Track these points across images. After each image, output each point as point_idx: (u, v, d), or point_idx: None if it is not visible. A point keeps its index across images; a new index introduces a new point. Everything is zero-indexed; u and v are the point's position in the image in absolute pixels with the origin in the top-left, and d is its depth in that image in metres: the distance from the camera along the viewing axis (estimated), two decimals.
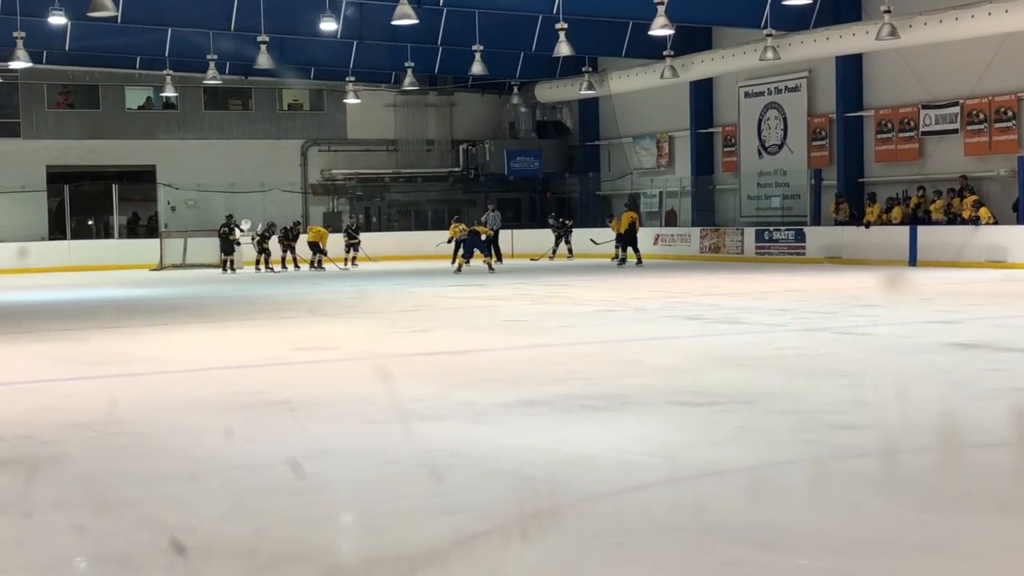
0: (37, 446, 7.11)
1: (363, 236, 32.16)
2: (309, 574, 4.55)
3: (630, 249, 28.81)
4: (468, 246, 27.98)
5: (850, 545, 4.68)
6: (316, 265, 30.20)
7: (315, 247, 30.34)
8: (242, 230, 31.58)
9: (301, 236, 31.02)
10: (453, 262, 28.04)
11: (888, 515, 5.18)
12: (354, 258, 31.05)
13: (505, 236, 33.83)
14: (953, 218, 25.41)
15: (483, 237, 28.37)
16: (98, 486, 5.97)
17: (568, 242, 33.16)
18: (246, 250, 30.98)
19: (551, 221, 34.25)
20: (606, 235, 30.56)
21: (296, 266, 30.53)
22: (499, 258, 30.09)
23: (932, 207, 25.86)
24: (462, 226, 29.00)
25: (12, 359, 11.98)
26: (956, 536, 4.86)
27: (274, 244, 30.48)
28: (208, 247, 31.20)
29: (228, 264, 29.88)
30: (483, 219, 32.46)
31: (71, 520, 5.34)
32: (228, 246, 30.09)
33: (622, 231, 29.05)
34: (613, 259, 29.58)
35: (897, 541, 4.77)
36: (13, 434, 7.46)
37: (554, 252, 33.13)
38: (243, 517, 5.29)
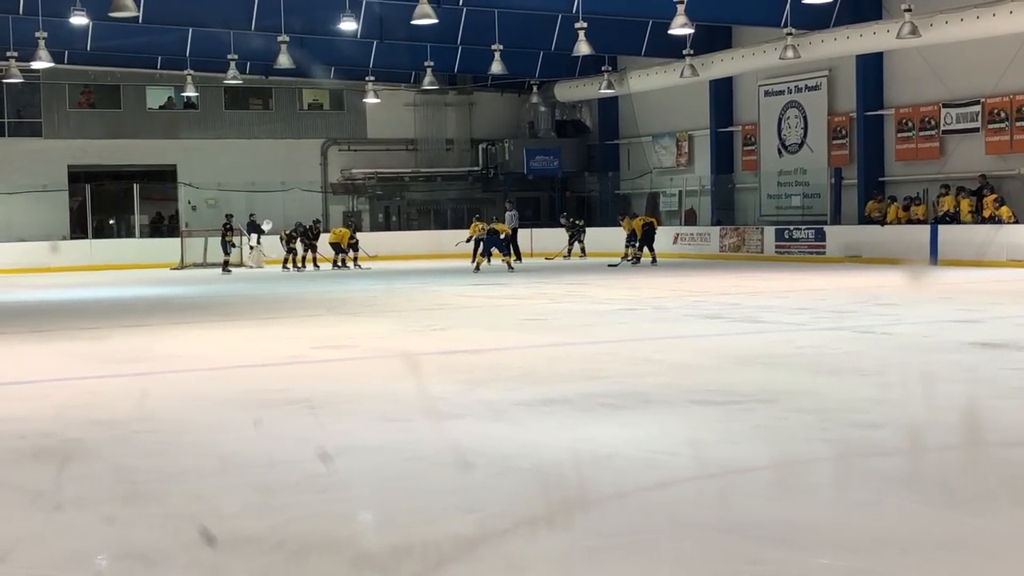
0: (61, 443, 7.16)
1: (363, 236, 31.99)
2: (338, 563, 4.58)
3: (645, 248, 28.79)
4: (487, 245, 28.02)
5: (871, 543, 4.68)
6: (340, 265, 30.26)
7: (337, 247, 30.40)
8: (263, 231, 31.66)
9: (322, 235, 31.09)
10: (473, 261, 28.06)
11: (909, 513, 5.17)
12: (355, 259, 30.93)
13: (524, 235, 33.88)
14: (975, 215, 25.32)
15: (501, 235, 28.39)
16: (122, 482, 6.01)
17: (581, 242, 33.13)
18: (269, 249, 31.12)
19: (563, 220, 34.26)
20: (620, 237, 30.49)
21: (316, 266, 30.59)
22: (518, 257, 30.10)
23: (961, 208, 25.69)
24: (482, 225, 29.03)
25: (35, 357, 12.05)
26: (977, 534, 4.86)
27: (300, 243, 30.55)
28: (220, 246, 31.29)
29: (224, 265, 29.89)
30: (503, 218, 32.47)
31: (96, 515, 5.38)
32: (225, 247, 30.17)
33: (639, 234, 28.98)
34: (623, 259, 29.37)
35: (918, 539, 4.77)
36: (37, 431, 7.51)
37: (569, 251, 33.12)
38: (268, 512, 5.32)
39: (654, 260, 28.54)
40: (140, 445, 7.07)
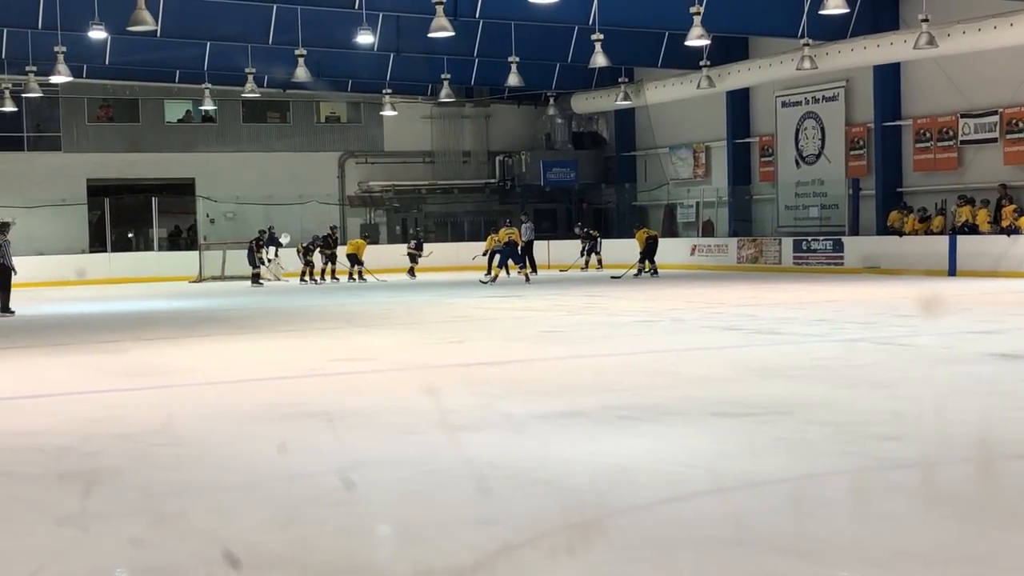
0: (80, 457, 7.19)
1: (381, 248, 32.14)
2: None
3: (647, 261, 28.92)
4: (504, 257, 28.05)
5: (890, 557, 4.66)
6: (357, 277, 30.31)
7: (353, 259, 30.45)
8: (281, 244, 31.69)
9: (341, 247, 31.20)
10: (487, 273, 28.07)
11: (928, 527, 5.16)
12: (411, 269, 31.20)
13: (542, 247, 33.85)
14: (994, 226, 25.22)
15: (516, 244, 28.43)
16: (140, 497, 6.03)
17: (598, 253, 33.04)
18: (286, 262, 31.22)
19: (578, 230, 34.19)
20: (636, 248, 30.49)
21: (335, 278, 30.64)
22: (534, 269, 30.11)
23: (977, 218, 25.60)
24: (497, 237, 29.03)
25: (54, 371, 12.09)
26: (996, 548, 4.83)
27: (318, 256, 30.57)
28: (247, 259, 31.40)
29: (256, 277, 29.99)
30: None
31: (116, 531, 5.39)
32: (253, 259, 30.25)
33: (642, 247, 29.08)
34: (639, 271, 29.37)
35: (937, 553, 4.75)
36: (58, 445, 7.54)
37: (586, 263, 33.03)
38: (287, 527, 5.32)
39: (654, 272, 28.60)
40: (160, 459, 7.09)
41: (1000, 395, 8.81)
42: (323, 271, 30.70)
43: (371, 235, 35.67)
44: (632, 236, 30.44)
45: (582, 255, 33.19)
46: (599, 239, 33.35)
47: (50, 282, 30.16)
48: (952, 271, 24.97)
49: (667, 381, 9.87)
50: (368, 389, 10.06)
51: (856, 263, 27.82)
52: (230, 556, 4.73)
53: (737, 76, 31.34)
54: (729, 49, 31.52)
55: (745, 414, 8.02)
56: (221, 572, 4.70)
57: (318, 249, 30.70)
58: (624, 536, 5.10)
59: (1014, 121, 25.92)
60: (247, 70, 30.62)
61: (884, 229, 28.27)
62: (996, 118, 26.32)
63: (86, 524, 5.52)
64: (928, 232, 26.72)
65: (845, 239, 28.91)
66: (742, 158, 34.10)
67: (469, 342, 14.05)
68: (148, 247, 36.29)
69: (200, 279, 31.80)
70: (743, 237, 32.27)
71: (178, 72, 35.18)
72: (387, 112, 35.73)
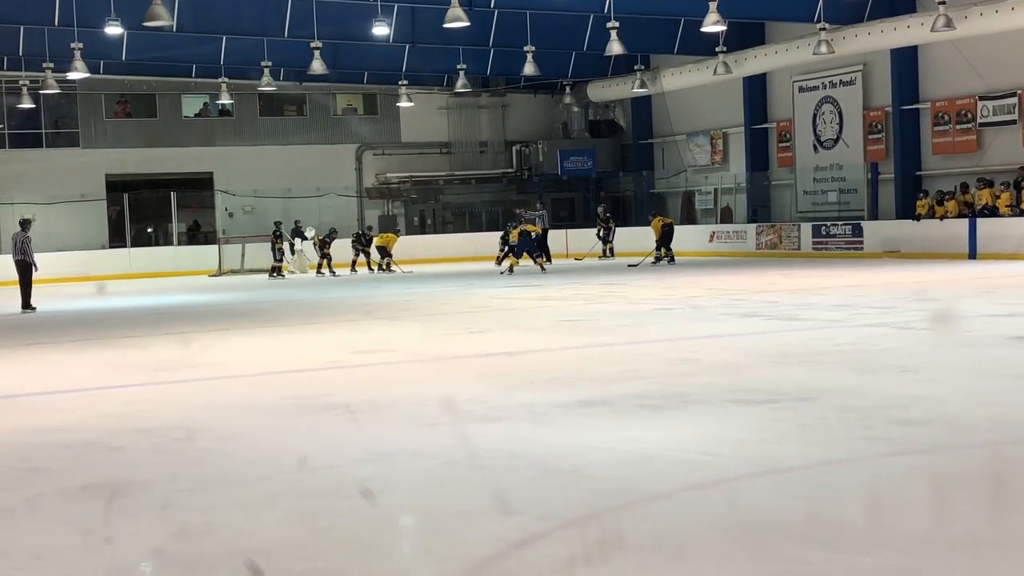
0: (103, 452, 7.22)
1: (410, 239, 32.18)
2: None
3: (663, 248, 28.93)
4: (521, 248, 28.10)
5: (916, 542, 4.65)
6: (384, 268, 30.41)
7: (383, 251, 30.57)
8: (306, 237, 31.71)
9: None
10: (498, 263, 28.23)
11: (954, 511, 5.14)
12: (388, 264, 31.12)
13: (560, 236, 33.82)
14: (1014, 208, 25.08)
15: (532, 235, 28.46)
16: (164, 492, 6.05)
17: (610, 241, 32.93)
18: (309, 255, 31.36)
19: (600, 211, 34.05)
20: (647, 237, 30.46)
21: (353, 269, 30.72)
22: (548, 258, 30.12)
23: (998, 201, 25.44)
24: (518, 229, 29.05)
25: (77, 367, 12.15)
26: (1019, 532, 4.82)
27: (335, 249, 30.61)
28: (266, 252, 31.51)
29: (273, 270, 30.13)
30: (530, 217, 32.39)
31: (137, 527, 5.41)
32: (274, 252, 30.41)
33: (658, 235, 29.09)
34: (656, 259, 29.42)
35: (963, 537, 4.74)
36: (79, 440, 7.57)
37: (604, 251, 32.91)
38: (308, 520, 5.34)
39: (671, 259, 28.62)
40: (183, 453, 7.12)
41: (1022, 378, 8.77)
42: (354, 263, 30.80)
43: (389, 227, 35.64)
44: (648, 224, 30.42)
45: (598, 237, 33.09)
46: (613, 227, 33.28)
47: (70, 278, 30.27)
48: (972, 254, 24.86)
49: (687, 369, 9.85)
50: (388, 381, 10.08)
51: (875, 248, 27.72)
52: (253, 566, 4.70)
53: (754, 62, 31.25)
54: (745, 35, 31.44)
55: (766, 401, 8.01)
56: (242, 568, 4.71)
57: (335, 241, 30.74)
58: (646, 525, 5.10)
59: None
60: (263, 64, 30.67)
61: (904, 213, 28.13)
62: (1015, 100, 26.19)
63: (111, 521, 5.55)
64: (943, 217, 26.39)
65: (864, 224, 28.80)
66: (760, 144, 34.01)
67: (488, 332, 14.05)
68: (167, 242, 36.42)
69: (219, 273, 31.88)
70: (762, 223, 32.19)
71: (194, 67, 35.30)
72: (403, 103, 35.74)
